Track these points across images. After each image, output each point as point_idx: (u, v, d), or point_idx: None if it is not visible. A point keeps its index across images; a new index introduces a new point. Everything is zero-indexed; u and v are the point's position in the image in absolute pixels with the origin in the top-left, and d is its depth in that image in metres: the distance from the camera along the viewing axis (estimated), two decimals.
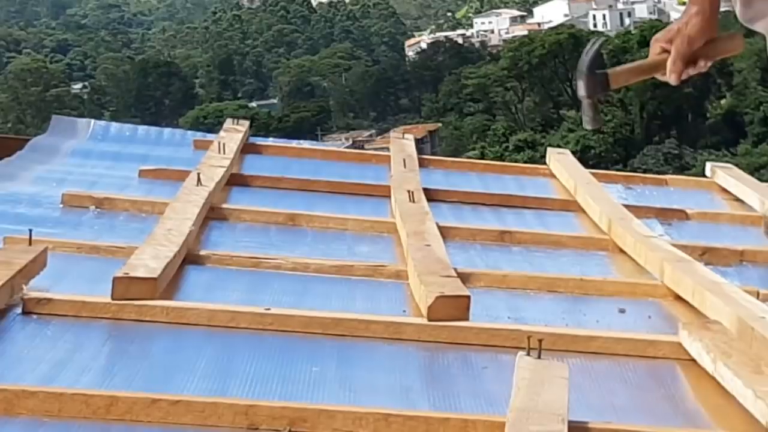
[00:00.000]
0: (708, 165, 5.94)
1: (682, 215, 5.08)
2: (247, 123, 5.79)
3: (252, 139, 5.79)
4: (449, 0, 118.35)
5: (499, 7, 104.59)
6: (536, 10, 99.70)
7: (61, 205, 4.37)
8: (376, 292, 3.61)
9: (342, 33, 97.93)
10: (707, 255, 4.30)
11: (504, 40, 79.32)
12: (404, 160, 5.29)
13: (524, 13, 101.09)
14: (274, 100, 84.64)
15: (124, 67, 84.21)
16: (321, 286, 3.63)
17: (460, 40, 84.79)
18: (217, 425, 2.47)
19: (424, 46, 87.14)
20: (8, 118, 69.94)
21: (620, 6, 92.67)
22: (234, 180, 4.95)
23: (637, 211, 4.84)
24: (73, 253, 3.70)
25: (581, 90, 3.08)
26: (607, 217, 4.57)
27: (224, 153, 5.05)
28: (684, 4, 3.06)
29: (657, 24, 56.36)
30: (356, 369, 2.94)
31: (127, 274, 3.15)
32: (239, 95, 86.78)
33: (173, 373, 2.79)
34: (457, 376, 2.93)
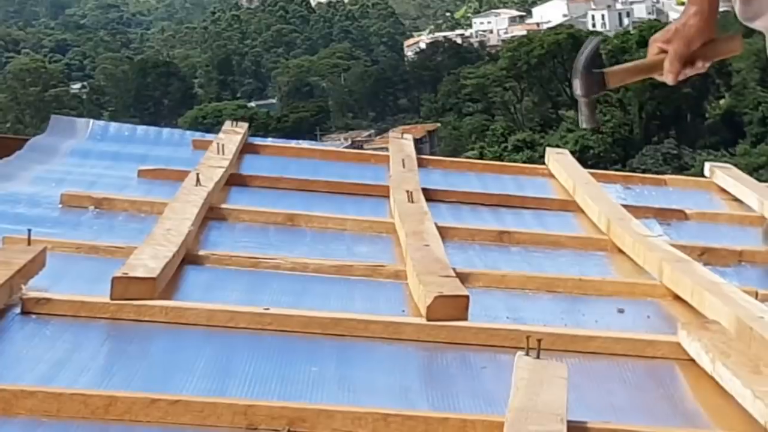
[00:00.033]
0: (707, 165, 5.93)
1: (680, 215, 5.07)
2: (245, 125, 5.78)
3: (251, 139, 5.79)
4: (448, 0, 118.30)
5: (497, 8, 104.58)
6: (535, 10, 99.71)
7: (60, 205, 4.37)
8: (375, 292, 3.61)
9: (341, 33, 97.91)
10: (706, 255, 4.29)
11: (503, 41, 79.33)
12: (403, 160, 5.29)
13: (523, 14, 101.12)
14: (273, 100, 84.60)
15: (123, 67, 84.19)
16: (320, 286, 3.63)
17: (458, 40, 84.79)
18: (216, 425, 2.47)
19: (422, 46, 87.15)
20: (7, 118, 69.89)
21: (619, 6, 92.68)
22: (233, 180, 4.95)
23: (636, 211, 4.84)
24: (72, 253, 3.70)
25: (578, 89, 3.07)
26: (606, 217, 4.57)
27: (223, 153, 5.05)
28: (683, 4, 3.07)
29: (656, 24, 56.42)
30: (355, 369, 2.94)
31: (126, 274, 3.15)
32: (238, 95, 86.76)
33: (172, 373, 2.79)
34: (456, 376, 2.93)
